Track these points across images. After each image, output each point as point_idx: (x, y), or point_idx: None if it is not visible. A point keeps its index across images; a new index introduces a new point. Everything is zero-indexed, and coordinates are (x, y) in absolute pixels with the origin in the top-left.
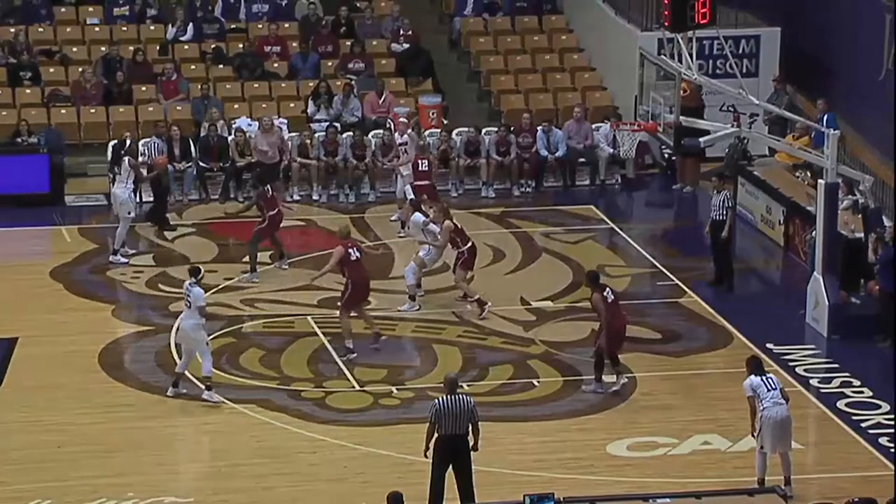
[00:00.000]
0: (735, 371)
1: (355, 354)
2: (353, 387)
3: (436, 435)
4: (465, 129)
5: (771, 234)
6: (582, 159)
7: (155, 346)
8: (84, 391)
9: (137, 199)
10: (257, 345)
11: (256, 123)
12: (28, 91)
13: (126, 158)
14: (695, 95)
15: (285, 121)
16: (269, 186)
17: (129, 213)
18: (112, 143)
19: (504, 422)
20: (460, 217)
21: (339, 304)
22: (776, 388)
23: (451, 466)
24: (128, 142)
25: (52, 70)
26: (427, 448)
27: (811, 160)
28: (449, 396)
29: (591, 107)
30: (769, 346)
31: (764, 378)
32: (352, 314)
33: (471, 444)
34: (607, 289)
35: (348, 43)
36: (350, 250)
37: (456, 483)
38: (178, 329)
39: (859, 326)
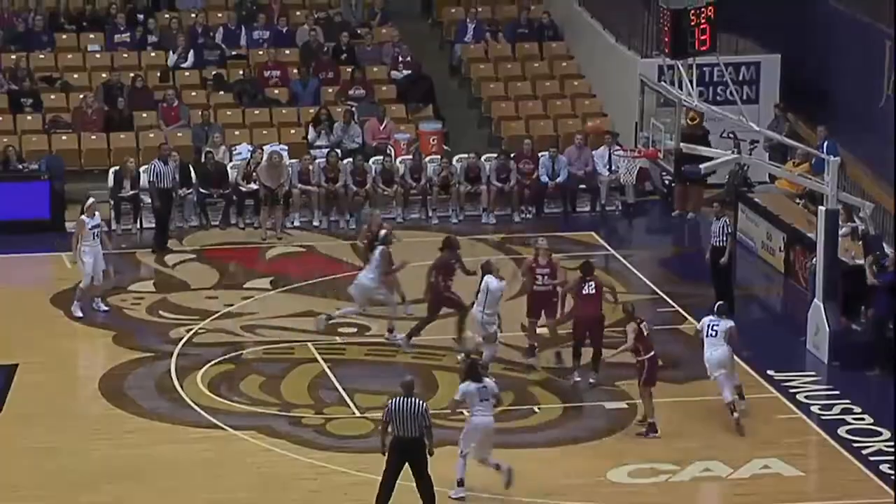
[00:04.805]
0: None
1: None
2: (354, 413)
3: (392, 436)
4: (466, 155)
5: (771, 261)
6: (582, 186)
7: (155, 372)
8: (84, 418)
9: (138, 226)
10: (258, 371)
11: (257, 150)
12: (29, 118)
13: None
14: (701, 123)
15: (286, 147)
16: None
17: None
18: (113, 169)
19: (504, 448)
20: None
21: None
22: (488, 399)
23: (408, 469)
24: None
25: (53, 97)
26: (383, 446)
27: (811, 186)
28: (402, 399)
29: (591, 133)
30: (770, 372)
31: (478, 387)
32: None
33: (426, 448)
34: (591, 283)
35: (349, 69)
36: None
37: (417, 489)
38: (713, 360)
39: (860, 353)
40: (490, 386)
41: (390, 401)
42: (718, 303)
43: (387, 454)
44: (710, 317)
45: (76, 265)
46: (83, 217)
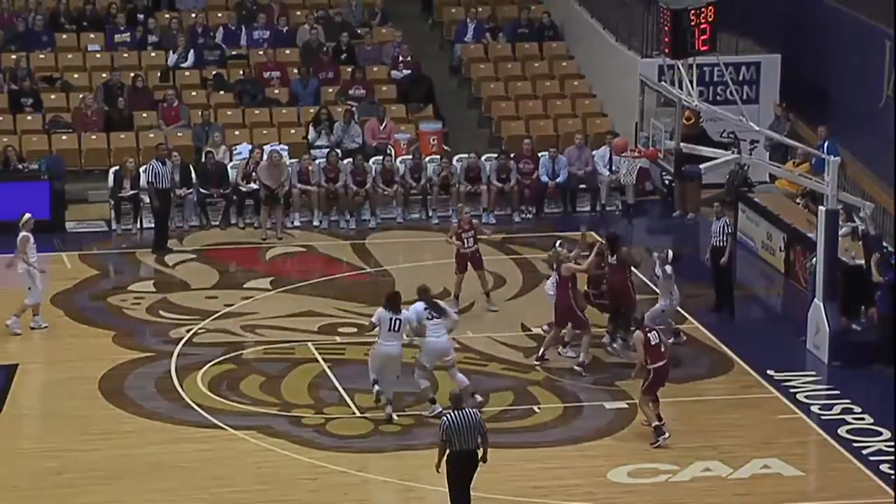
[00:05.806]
0: (736, 398)
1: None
2: (354, 413)
3: (448, 452)
4: (466, 155)
5: (772, 261)
6: (582, 185)
7: (155, 372)
8: (84, 418)
9: (138, 226)
10: (258, 371)
11: (255, 149)
12: (29, 118)
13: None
14: (696, 122)
15: (286, 147)
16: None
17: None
18: (113, 169)
19: (504, 448)
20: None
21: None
22: (398, 330)
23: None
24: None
25: (53, 97)
26: (439, 464)
27: (812, 186)
28: (456, 412)
29: (591, 133)
30: (770, 372)
31: (390, 316)
32: None
33: (479, 456)
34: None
35: (349, 69)
36: (650, 335)
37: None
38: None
39: (860, 353)
40: (406, 318)
41: (444, 417)
42: (671, 251)
43: (447, 470)
44: (668, 266)
45: (29, 285)
46: (26, 233)
